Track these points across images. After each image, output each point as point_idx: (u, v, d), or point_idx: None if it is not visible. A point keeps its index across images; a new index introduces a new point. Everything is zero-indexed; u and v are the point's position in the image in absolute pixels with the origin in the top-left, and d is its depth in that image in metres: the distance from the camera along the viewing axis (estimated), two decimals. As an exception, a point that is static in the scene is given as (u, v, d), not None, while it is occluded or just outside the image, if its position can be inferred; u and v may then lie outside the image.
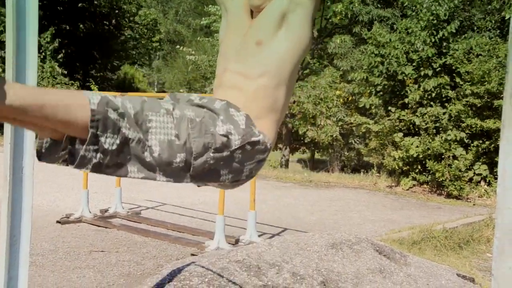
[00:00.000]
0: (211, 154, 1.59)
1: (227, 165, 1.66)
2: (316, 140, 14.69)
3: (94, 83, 16.49)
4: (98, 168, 1.41)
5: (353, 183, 12.47)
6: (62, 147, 1.43)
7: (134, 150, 1.44)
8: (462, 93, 11.70)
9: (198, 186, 1.83)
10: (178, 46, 20.12)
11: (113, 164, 1.42)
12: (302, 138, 15.71)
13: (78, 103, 1.35)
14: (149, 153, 1.46)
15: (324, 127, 14.43)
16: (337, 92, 15.09)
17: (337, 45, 16.62)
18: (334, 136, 14.52)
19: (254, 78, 1.93)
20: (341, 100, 15.22)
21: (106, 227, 6.39)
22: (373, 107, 12.98)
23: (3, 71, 16.51)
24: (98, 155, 1.38)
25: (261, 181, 11.32)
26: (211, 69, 17.99)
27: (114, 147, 1.39)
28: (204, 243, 5.64)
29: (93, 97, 1.37)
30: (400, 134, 12.04)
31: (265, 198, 9.13)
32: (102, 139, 1.37)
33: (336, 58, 16.87)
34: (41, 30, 18.08)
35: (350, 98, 15.42)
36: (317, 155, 18.18)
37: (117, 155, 1.41)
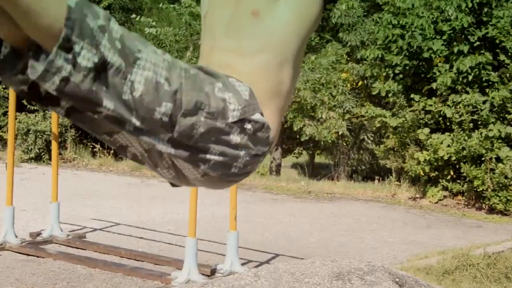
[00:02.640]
0: (202, 118, 1.58)
1: (218, 143, 1.65)
2: (316, 139, 14.70)
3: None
4: (64, 86, 1.35)
5: (364, 195, 12.49)
6: (21, 55, 1.39)
7: (112, 80, 1.41)
8: (508, 75, 11.77)
9: (173, 186, 1.83)
10: (134, 16, 20.01)
11: (85, 89, 1.37)
12: (297, 136, 15.72)
13: None
14: (129, 89, 1.43)
15: (327, 121, 14.45)
16: (343, 75, 15.13)
17: (343, 13, 16.64)
18: (339, 132, 14.55)
19: (251, 54, 1.92)
20: (349, 85, 15.25)
21: (38, 256, 6.31)
22: (390, 95, 13.02)
23: None
24: (69, 67, 1.33)
25: (245, 192, 11.31)
26: (177, 46, 17.94)
27: (90, 64, 1.35)
28: (170, 275, 5.61)
29: None
30: (426, 130, 12.08)
31: (250, 215, 9.11)
32: (77, 47, 1.33)
33: (341, 31, 16.89)
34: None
35: (360, 83, 15.48)
36: (317, 158, 18.22)
37: (92, 79, 1.37)
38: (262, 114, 1.78)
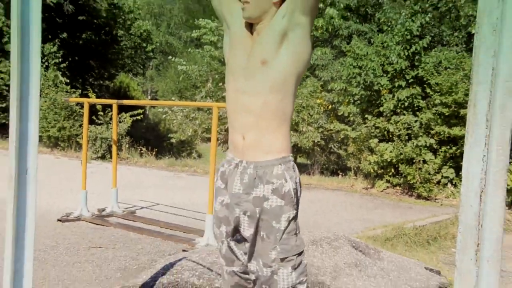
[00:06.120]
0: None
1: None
2: (299, 145, 14.74)
3: (91, 91, 16.42)
4: None
5: (332, 185, 12.51)
6: None
7: None
8: (432, 102, 11.83)
9: None
10: (170, 57, 20.06)
11: None
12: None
13: None
14: None
15: (306, 133, 14.49)
16: (318, 101, 15.17)
17: (318, 57, 16.71)
18: (315, 141, 14.59)
19: (263, 94, 2.04)
20: (322, 108, 15.30)
21: (103, 225, 6.37)
22: (351, 115, 13.07)
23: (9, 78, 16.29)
24: None
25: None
26: (201, 79, 17.99)
27: None
28: (195, 240, 5.65)
29: None
30: (376, 140, 12.13)
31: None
32: None
33: (317, 69, 16.95)
34: (44, 41, 18.09)
35: (330, 107, 15.51)
36: (299, 159, 18.24)
37: None
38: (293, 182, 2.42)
